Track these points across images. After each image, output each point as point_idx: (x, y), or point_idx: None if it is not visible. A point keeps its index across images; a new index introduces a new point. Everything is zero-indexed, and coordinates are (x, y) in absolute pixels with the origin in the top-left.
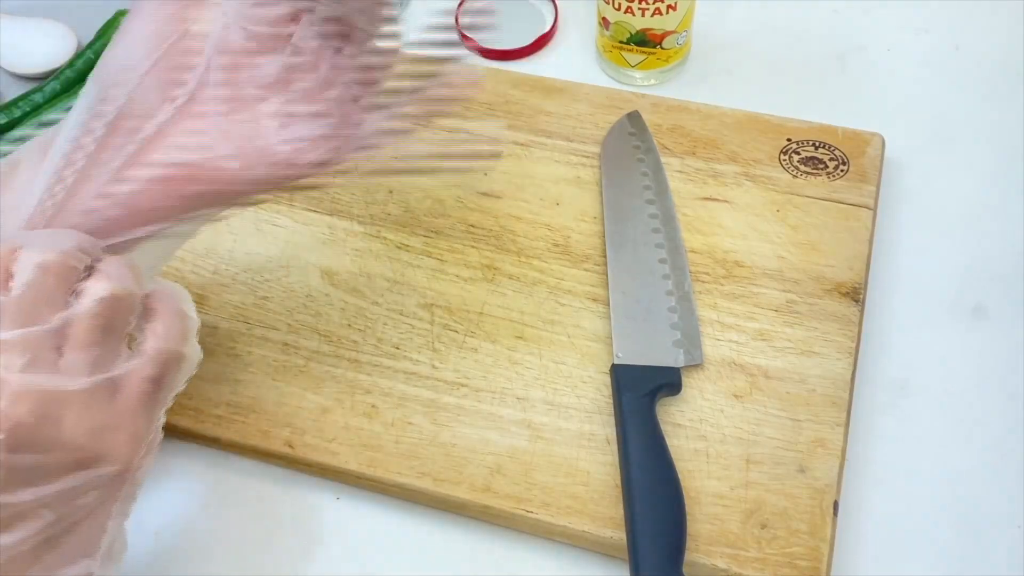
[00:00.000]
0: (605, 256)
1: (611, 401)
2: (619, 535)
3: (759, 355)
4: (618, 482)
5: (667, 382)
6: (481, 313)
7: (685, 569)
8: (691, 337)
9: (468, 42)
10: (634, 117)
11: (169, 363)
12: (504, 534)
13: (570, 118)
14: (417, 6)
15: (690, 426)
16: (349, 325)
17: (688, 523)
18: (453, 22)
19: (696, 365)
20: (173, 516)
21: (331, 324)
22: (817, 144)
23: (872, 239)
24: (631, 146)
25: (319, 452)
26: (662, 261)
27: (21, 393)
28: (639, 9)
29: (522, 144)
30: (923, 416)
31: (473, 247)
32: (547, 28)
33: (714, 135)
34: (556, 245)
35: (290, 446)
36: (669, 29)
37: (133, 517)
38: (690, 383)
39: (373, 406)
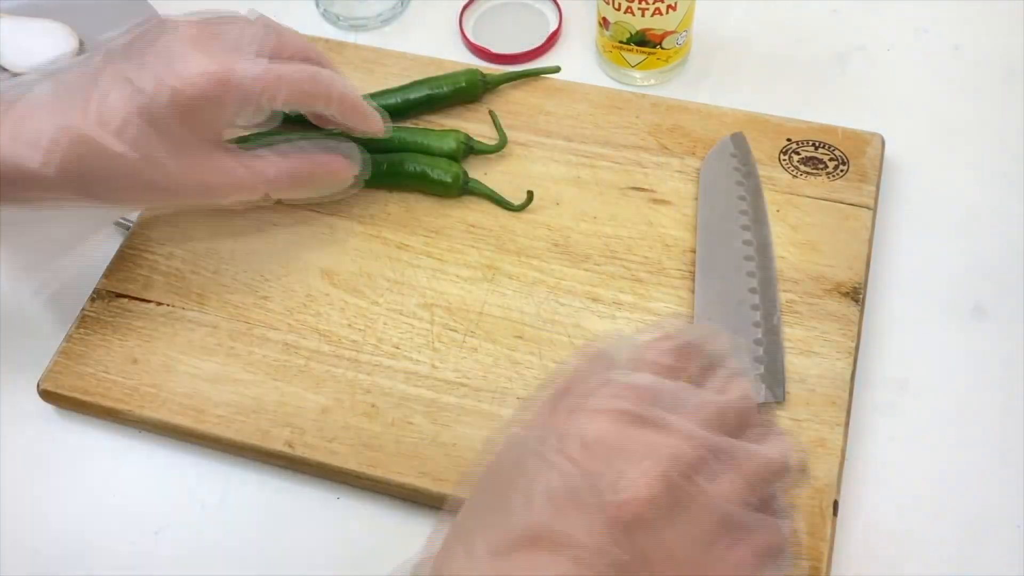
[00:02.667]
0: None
1: None
2: None
3: None
4: None
5: None
6: (481, 313)
7: None
8: (775, 373)
9: (474, 47)
10: (737, 139)
11: None
12: None
13: (570, 118)
14: (417, 6)
15: None
16: (349, 325)
17: None
18: None
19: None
20: (174, 516)
21: (331, 324)
22: (817, 144)
23: (872, 239)
24: (731, 168)
25: (319, 452)
26: (752, 291)
27: None
28: (639, 9)
29: (522, 144)
30: (923, 416)
31: (473, 247)
32: (552, 29)
33: (714, 135)
34: (556, 245)
35: (290, 446)
36: (669, 29)
37: (133, 518)
38: None
39: (373, 406)
